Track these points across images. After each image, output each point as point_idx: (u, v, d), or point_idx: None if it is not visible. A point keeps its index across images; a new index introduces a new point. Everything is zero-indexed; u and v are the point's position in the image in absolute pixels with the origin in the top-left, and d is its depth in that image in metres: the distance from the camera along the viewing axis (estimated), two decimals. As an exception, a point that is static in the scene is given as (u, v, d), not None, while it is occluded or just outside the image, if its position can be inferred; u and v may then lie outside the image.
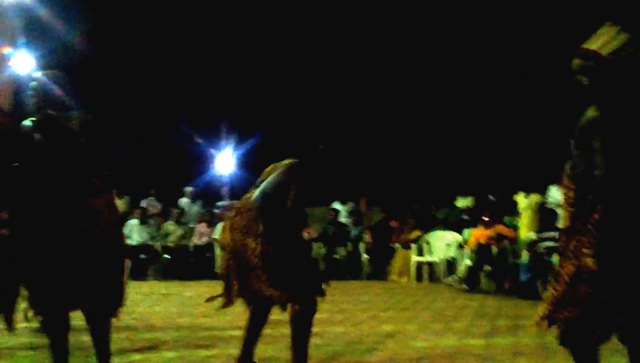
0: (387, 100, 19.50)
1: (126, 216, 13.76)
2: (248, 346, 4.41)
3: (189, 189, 16.14)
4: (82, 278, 3.89)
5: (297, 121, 16.82)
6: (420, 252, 13.11)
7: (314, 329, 6.05)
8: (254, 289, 4.24)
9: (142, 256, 13.43)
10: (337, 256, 13.81)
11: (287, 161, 4.43)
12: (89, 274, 3.92)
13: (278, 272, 4.12)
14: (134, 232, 13.67)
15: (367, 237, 13.99)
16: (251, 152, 19.28)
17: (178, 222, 14.31)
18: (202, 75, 19.82)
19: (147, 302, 9.19)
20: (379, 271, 13.65)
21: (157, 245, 13.77)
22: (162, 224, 14.28)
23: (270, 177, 4.40)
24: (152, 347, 5.48)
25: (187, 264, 13.63)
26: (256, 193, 4.36)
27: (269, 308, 4.36)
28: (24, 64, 12.11)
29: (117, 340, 5.79)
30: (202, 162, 20.59)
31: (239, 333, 4.60)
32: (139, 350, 5.35)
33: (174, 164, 18.48)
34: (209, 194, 17.80)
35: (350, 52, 19.09)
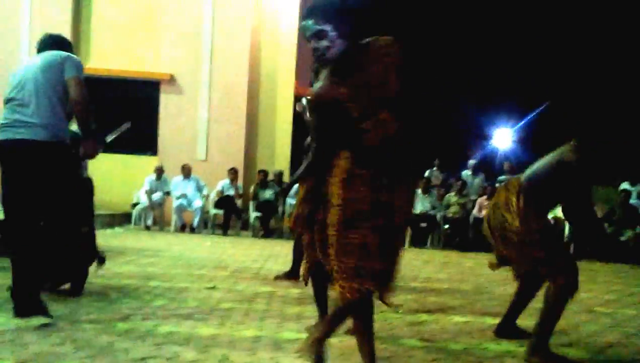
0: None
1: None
2: (511, 315, 4.74)
3: (471, 162, 16.37)
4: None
5: (579, 98, 16.15)
6: None
7: (605, 310, 6.00)
8: (518, 263, 4.45)
9: (423, 225, 13.93)
10: (623, 238, 13.23)
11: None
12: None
13: (530, 252, 4.29)
14: (416, 201, 14.19)
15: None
16: (531, 128, 18.91)
17: (459, 194, 14.57)
18: (483, 52, 19.75)
19: (429, 268, 9.61)
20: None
21: (438, 215, 14.18)
22: (444, 195, 14.66)
23: (546, 157, 4.50)
24: (440, 310, 5.81)
25: (466, 236, 13.90)
26: (528, 171, 4.53)
27: (540, 281, 4.54)
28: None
29: (407, 301, 6.25)
30: (483, 136, 20.63)
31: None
32: (428, 312, 5.72)
33: (457, 137, 18.75)
34: (490, 168, 17.86)
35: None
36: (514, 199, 4.41)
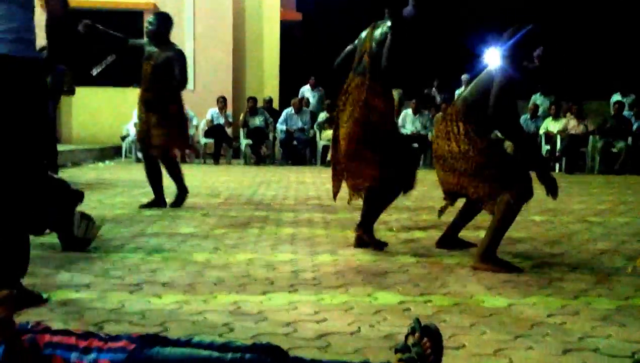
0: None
1: (401, 106, 14.25)
2: (454, 229, 4.91)
3: (465, 77, 16.17)
4: None
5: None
6: None
7: (598, 219, 6.05)
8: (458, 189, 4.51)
9: (415, 145, 13.90)
10: (614, 150, 13.33)
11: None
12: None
13: (481, 172, 4.31)
14: (408, 122, 14.15)
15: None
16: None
17: (450, 113, 14.50)
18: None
19: (421, 187, 9.63)
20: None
21: (430, 134, 14.14)
22: (435, 115, 14.59)
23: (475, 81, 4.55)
24: (433, 227, 5.84)
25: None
26: (464, 93, 4.60)
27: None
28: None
29: (401, 219, 6.27)
30: (476, 54, 20.43)
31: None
32: (421, 229, 5.75)
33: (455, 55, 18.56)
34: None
35: None
36: (454, 126, 4.40)
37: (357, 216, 6.09)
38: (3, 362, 2.07)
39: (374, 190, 4.90)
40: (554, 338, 2.89)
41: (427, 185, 9.80)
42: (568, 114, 14.01)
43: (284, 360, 2.26)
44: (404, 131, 13.51)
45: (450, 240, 4.91)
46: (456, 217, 4.92)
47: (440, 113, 13.64)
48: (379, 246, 4.85)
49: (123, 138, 14.44)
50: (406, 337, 2.20)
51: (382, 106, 4.76)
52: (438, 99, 16.32)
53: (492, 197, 4.30)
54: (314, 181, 10.30)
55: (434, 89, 16.60)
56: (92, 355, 2.14)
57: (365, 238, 4.91)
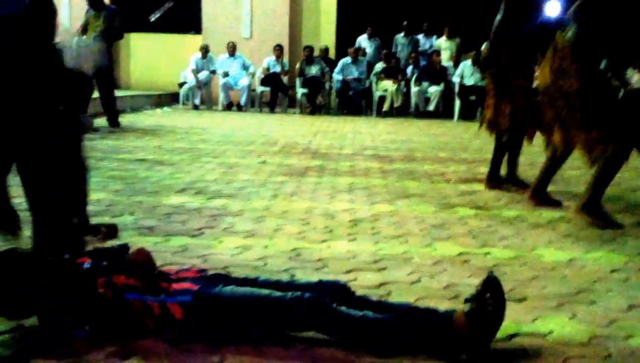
0: None
1: (459, 57, 14.02)
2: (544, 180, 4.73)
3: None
4: None
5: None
6: None
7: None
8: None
9: (472, 97, 13.68)
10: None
11: None
12: None
13: (593, 111, 4.07)
14: (467, 74, 13.88)
15: None
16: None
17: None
18: None
19: (479, 140, 9.50)
20: None
21: (488, 87, 13.89)
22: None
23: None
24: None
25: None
26: (570, 31, 4.18)
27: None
28: None
29: (459, 172, 6.23)
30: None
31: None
32: (480, 182, 5.69)
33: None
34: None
35: None
36: (562, 61, 4.17)
37: (414, 167, 6.11)
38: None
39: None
40: (618, 294, 2.86)
41: (485, 138, 9.66)
42: None
43: (348, 299, 2.30)
44: (464, 83, 13.29)
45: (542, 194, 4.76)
46: (544, 166, 4.75)
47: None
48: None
49: (181, 85, 14.55)
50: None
51: None
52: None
53: (603, 142, 4.05)
54: (370, 131, 10.25)
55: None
56: (161, 297, 2.21)
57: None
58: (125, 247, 2.56)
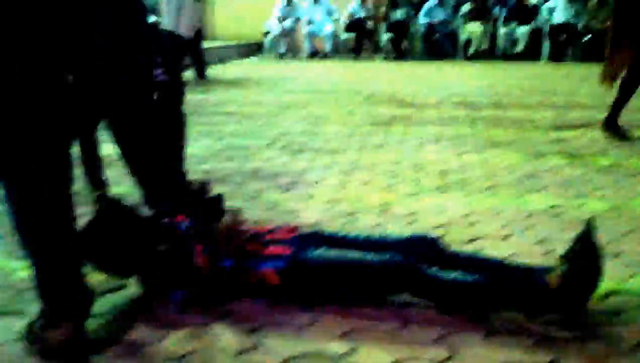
0: None
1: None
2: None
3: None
4: None
5: None
6: None
7: None
8: None
9: (562, 37, 13.13)
10: None
11: None
12: None
13: None
14: (559, 10, 13.29)
15: None
16: None
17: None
18: None
19: (569, 82, 9.21)
20: None
21: (580, 24, 13.27)
22: (589, 1, 13.51)
23: None
24: (584, 125, 5.60)
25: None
26: None
27: None
28: None
29: (548, 117, 6.08)
30: None
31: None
32: (571, 127, 5.54)
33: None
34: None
35: None
36: None
37: (502, 114, 6.01)
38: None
39: None
40: None
41: (576, 81, 9.36)
42: None
43: (438, 255, 2.30)
44: (554, 20, 12.79)
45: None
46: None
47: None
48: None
49: (265, 34, 14.60)
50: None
51: None
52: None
53: None
54: (457, 76, 10.07)
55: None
56: (256, 263, 2.27)
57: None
58: (219, 198, 2.64)
